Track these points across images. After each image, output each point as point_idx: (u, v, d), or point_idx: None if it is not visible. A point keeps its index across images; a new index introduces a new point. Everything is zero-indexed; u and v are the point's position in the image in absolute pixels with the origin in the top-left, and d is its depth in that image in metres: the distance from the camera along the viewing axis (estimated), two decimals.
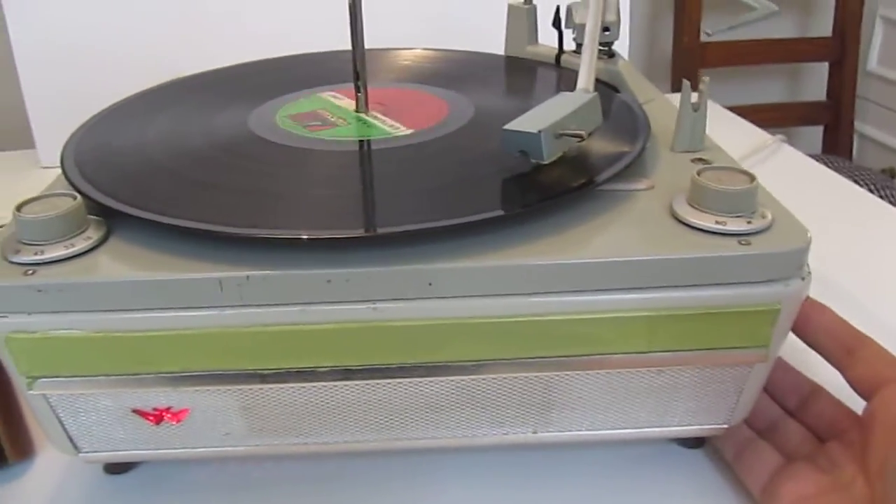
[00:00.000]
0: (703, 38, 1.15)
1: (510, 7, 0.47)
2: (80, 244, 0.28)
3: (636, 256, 0.27)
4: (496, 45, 0.49)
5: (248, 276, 0.27)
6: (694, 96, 0.35)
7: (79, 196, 0.29)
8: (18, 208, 0.29)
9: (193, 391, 0.29)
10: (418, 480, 0.34)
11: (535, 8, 0.47)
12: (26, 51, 0.66)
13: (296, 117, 0.38)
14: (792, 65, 1.36)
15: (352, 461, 0.35)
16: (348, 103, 0.39)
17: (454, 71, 0.45)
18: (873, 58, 1.35)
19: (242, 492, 0.34)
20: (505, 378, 0.29)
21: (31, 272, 0.27)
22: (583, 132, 0.30)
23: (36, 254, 0.28)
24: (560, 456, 0.35)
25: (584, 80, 0.35)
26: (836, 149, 1.31)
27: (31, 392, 0.29)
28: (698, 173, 0.29)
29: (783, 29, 1.31)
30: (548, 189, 0.30)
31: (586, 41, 0.38)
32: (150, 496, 0.34)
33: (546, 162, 0.30)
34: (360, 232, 0.27)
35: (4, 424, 0.34)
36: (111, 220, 0.30)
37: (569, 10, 0.44)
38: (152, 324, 0.27)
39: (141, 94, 0.43)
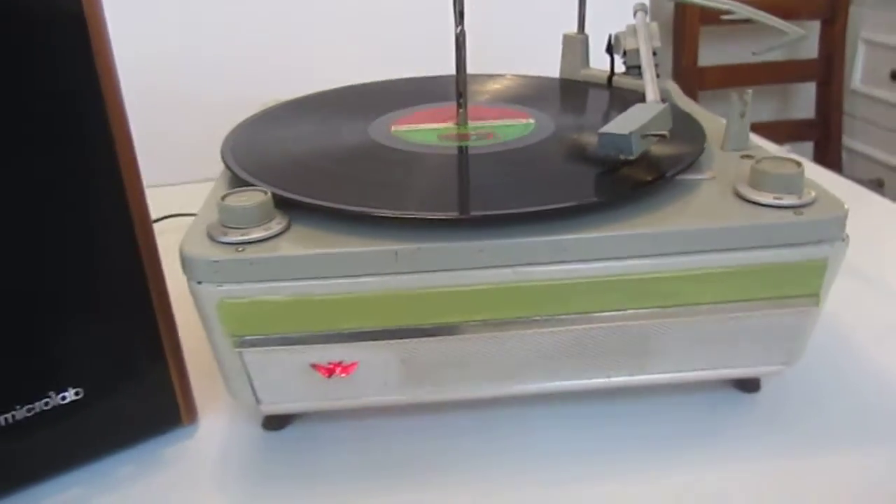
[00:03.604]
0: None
1: (565, 37, 0.57)
2: (275, 228, 0.37)
3: (718, 224, 0.37)
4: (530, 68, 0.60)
5: (419, 248, 0.36)
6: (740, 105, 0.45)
7: (269, 191, 0.38)
8: (223, 199, 0.38)
9: (364, 346, 0.38)
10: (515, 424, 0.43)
11: (587, 37, 0.57)
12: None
13: (412, 125, 0.48)
14: (782, 85, 1.50)
15: (465, 412, 0.43)
16: (451, 117, 0.49)
17: (530, 92, 0.55)
18: (857, 77, 1.49)
19: (377, 442, 0.42)
20: (613, 326, 0.39)
21: (241, 249, 0.36)
22: (665, 131, 0.40)
23: (242, 235, 0.37)
24: (638, 402, 0.44)
25: (652, 93, 0.45)
26: (827, 163, 1.44)
27: (235, 350, 0.37)
28: (757, 161, 0.39)
29: (774, 52, 1.45)
30: (640, 178, 0.40)
31: (644, 63, 0.48)
32: (302, 450, 0.42)
33: (634, 158, 0.40)
34: (509, 210, 0.36)
35: (181, 390, 0.42)
36: (289, 211, 0.39)
37: (616, 38, 0.55)
38: (338, 288, 0.36)
39: (278, 107, 0.53)
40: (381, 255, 0.36)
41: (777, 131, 1.43)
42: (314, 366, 0.39)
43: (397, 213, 0.37)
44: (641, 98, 0.46)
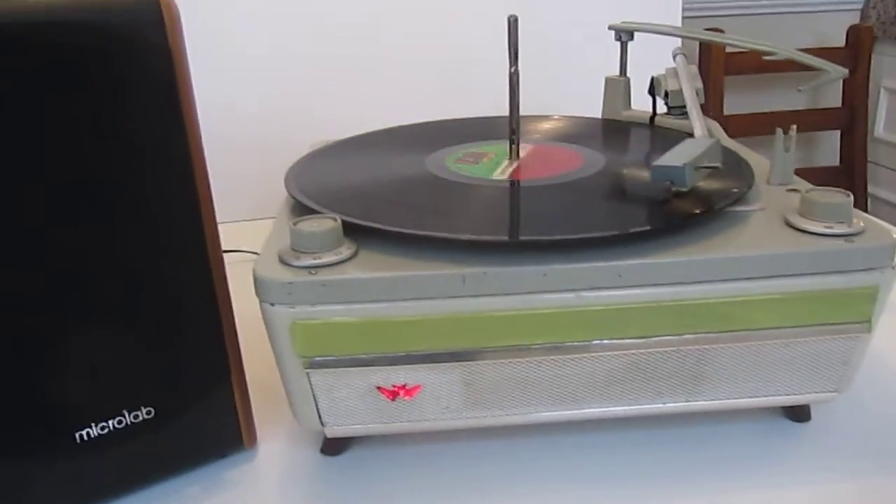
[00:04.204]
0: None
1: (608, 79, 0.60)
2: (345, 252, 0.39)
3: (772, 251, 0.38)
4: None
5: (485, 272, 0.38)
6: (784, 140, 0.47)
7: (338, 218, 0.40)
8: (294, 224, 0.40)
9: (429, 368, 0.39)
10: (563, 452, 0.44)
11: (629, 80, 0.59)
12: None
13: (467, 161, 0.50)
14: (806, 134, 1.52)
15: (523, 436, 0.45)
16: (502, 153, 0.52)
17: (577, 130, 0.58)
18: (880, 125, 1.51)
19: (434, 467, 0.43)
20: (669, 350, 0.40)
21: (314, 272, 0.38)
22: (717, 164, 0.42)
23: (314, 259, 0.38)
24: (688, 428, 0.45)
25: (700, 128, 0.47)
26: None
27: (304, 371, 0.39)
28: (807, 192, 0.41)
29: (796, 101, 1.48)
30: (693, 209, 0.41)
31: (689, 102, 0.51)
32: (359, 474, 0.43)
33: (687, 189, 0.42)
34: (572, 235, 0.38)
35: (244, 414, 0.44)
36: (355, 237, 0.41)
37: (657, 80, 0.57)
38: (406, 311, 0.38)
39: (335, 144, 0.56)
40: (449, 279, 0.38)
41: (803, 179, 1.45)
42: (379, 388, 0.40)
43: (470, 237, 0.38)
44: (683, 136, 0.48)
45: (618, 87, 0.59)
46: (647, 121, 0.58)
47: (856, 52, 1.42)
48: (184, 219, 0.38)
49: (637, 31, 0.57)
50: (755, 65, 1.27)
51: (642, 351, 0.40)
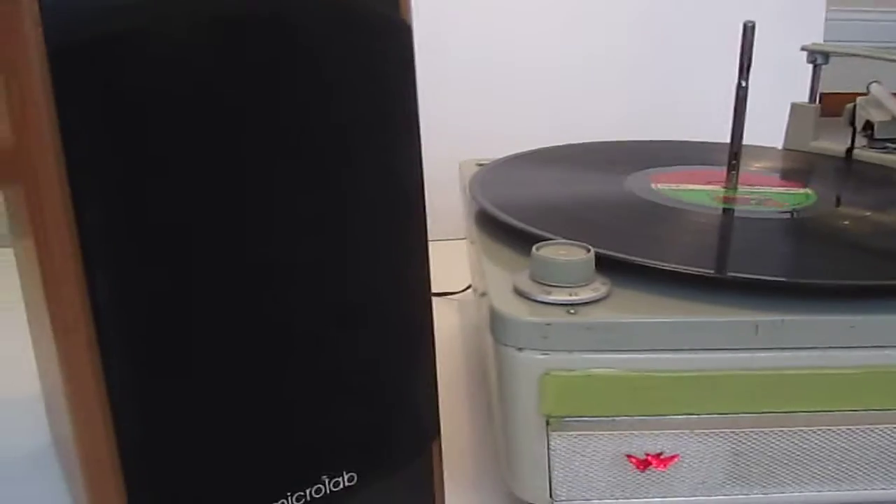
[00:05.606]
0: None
1: (794, 106, 0.54)
2: (602, 289, 0.32)
3: None
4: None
5: (783, 320, 0.31)
6: None
7: (591, 248, 0.34)
8: (539, 250, 0.33)
9: (694, 435, 0.33)
10: None
11: (819, 108, 0.54)
12: None
13: (678, 190, 0.44)
14: None
15: None
16: (708, 184, 0.45)
17: (786, 164, 0.52)
18: None
19: None
20: None
21: (573, 311, 0.31)
22: None
23: (570, 295, 0.32)
24: None
25: None
26: None
27: (548, 432, 0.32)
28: None
29: None
30: None
31: None
32: None
33: None
34: (886, 281, 0.32)
35: (439, 485, 0.36)
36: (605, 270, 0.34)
37: (854, 110, 0.52)
38: (683, 365, 0.31)
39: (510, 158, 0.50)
40: (738, 327, 0.31)
41: None
42: (628, 457, 0.33)
43: (761, 277, 0.32)
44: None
45: (807, 114, 0.54)
46: (843, 153, 0.53)
47: None
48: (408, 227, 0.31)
49: (833, 53, 0.52)
50: None
51: None
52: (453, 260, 0.55)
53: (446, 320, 0.58)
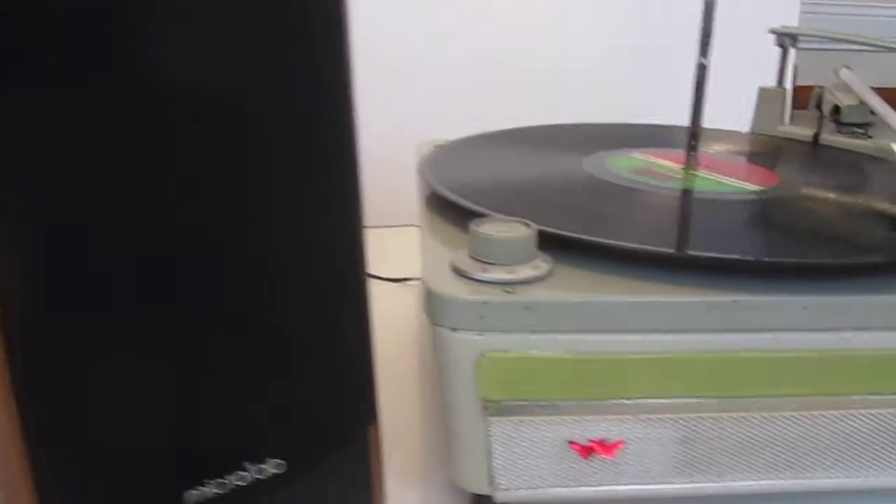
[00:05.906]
0: None
1: (762, 90, 0.53)
2: (543, 267, 0.31)
3: None
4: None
5: (734, 301, 0.30)
6: None
7: (532, 224, 0.32)
8: (478, 227, 0.31)
9: (640, 421, 0.31)
10: None
11: (785, 91, 0.53)
12: None
13: (636, 171, 0.42)
14: None
15: None
16: (669, 163, 0.44)
17: (749, 148, 0.51)
18: None
19: None
20: None
21: (510, 290, 0.30)
22: None
23: (508, 273, 0.30)
24: None
25: None
26: None
27: (486, 418, 0.30)
28: None
29: None
30: None
31: (884, 111, 0.44)
32: None
33: None
34: (843, 260, 0.31)
35: (377, 475, 0.35)
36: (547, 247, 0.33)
37: (822, 95, 0.51)
38: (628, 347, 0.30)
39: (466, 140, 0.49)
40: (687, 308, 0.30)
41: None
42: (571, 443, 0.32)
43: (713, 255, 0.31)
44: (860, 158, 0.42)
45: (775, 98, 0.52)
46: (810, 138, 0.51)
47: None
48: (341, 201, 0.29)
49: (802, 35, 0.51)
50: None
51: None
52: (416, 245, 0.54)
53: (407, 307, 0.57)
